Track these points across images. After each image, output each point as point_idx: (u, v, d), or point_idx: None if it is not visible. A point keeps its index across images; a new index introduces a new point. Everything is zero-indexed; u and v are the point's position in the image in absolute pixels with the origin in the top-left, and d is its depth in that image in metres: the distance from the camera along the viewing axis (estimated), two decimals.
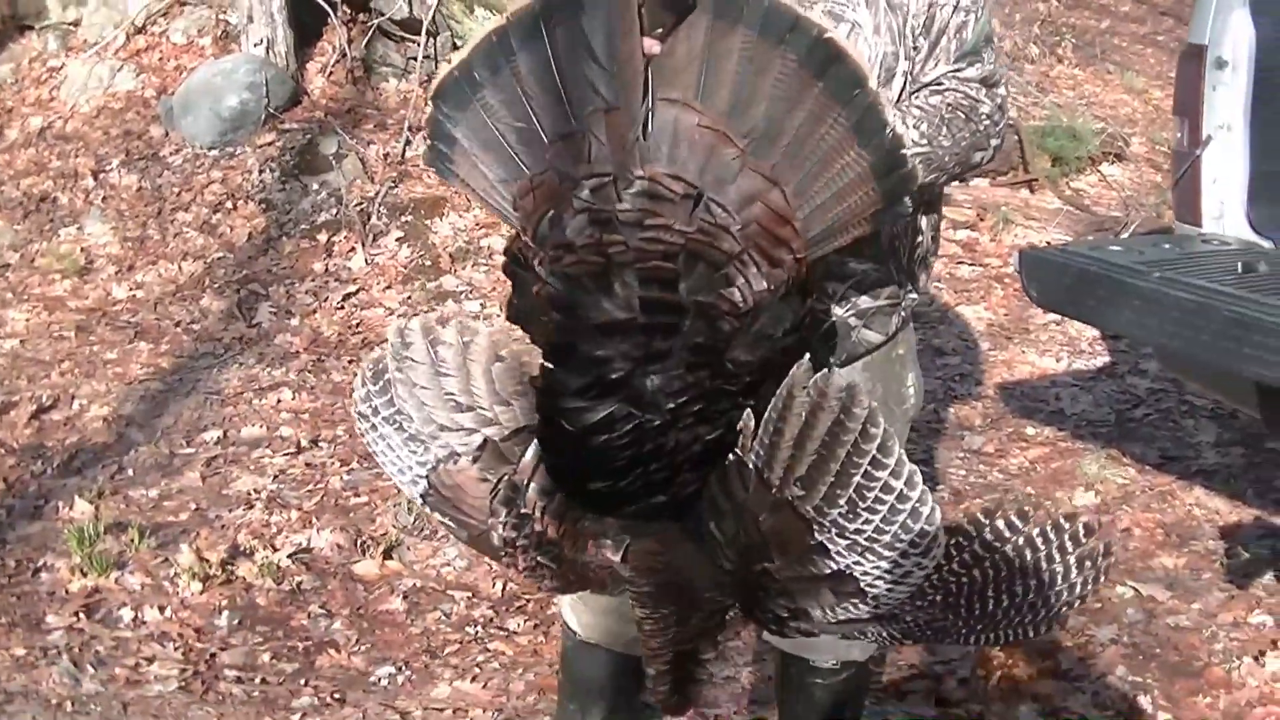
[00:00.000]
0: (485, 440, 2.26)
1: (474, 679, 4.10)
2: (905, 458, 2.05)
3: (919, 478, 2.06)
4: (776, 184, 2.12)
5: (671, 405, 2.13)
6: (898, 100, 2.66)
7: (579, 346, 2.13)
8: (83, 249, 7.53)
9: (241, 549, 4.78)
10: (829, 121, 2.12)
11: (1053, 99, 8.91)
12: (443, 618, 4.43)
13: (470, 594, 4.51)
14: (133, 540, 4.80)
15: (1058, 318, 6.24)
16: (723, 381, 2.15)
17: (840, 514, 2.06)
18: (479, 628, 4.37)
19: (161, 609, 4.48)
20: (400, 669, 4.21)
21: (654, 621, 2.33)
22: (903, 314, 2.91)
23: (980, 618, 2.20)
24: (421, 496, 2.36)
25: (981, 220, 7.37)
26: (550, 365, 2.17)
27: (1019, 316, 6.49)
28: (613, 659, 3.19)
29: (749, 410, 2.11)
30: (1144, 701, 3.85)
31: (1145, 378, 5.90)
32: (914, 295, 2.92)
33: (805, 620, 2.19)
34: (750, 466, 2.10)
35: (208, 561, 4.67)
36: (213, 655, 4.29)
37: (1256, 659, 3.99)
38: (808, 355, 2.09)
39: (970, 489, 5.12)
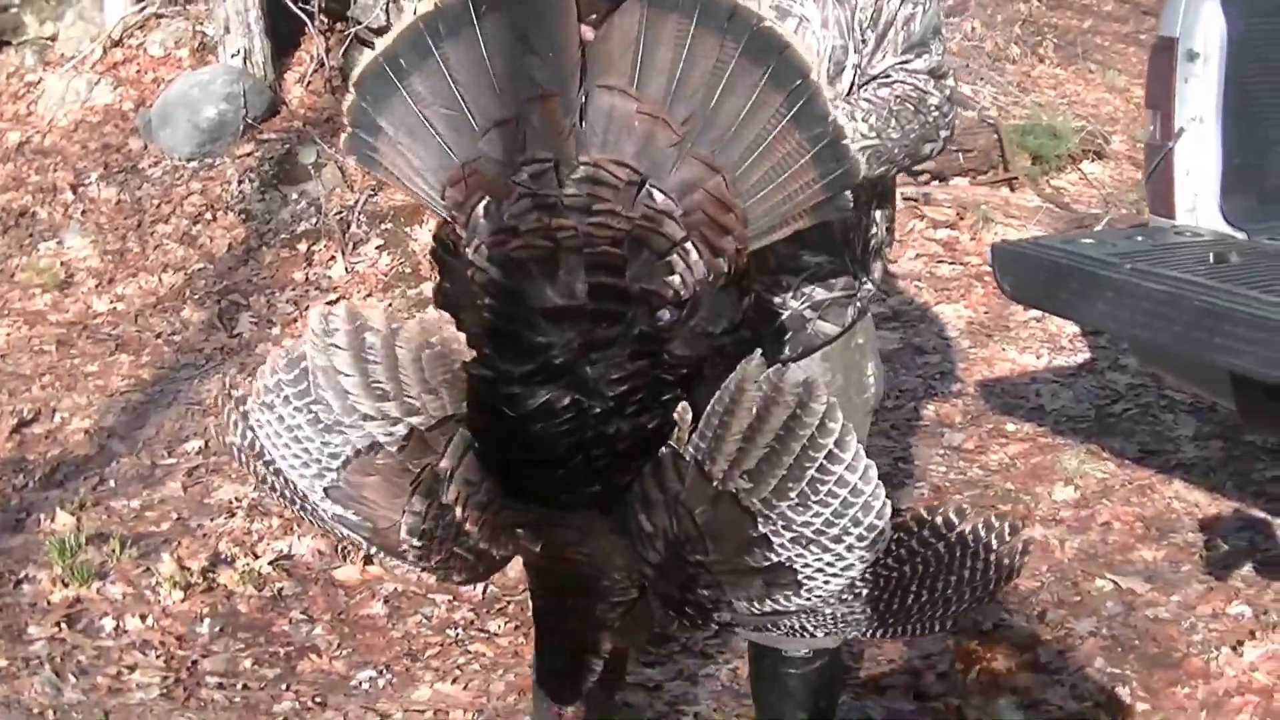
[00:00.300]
0: (411, 429, 2.16)
1: (454, 680, 4.10)
2: (863, 452, 2.05)
3: (874, 472, 2.07)
4: (718, 171, 2.13)
5: (613, 393, 2.13)
6: (847, 94, 2.66)
7: (521, 333, 2.13)
8: (63, 263, 7.53)
9: (223, 557, 4.77)
10: (771, 110, 2.13)
11: (1034, 98, 8.92)
12: (423, 621, 4.43)
13: (451, 597, 4.50)
14: (114, 550, 4.78)
15: (1038, 315, 6.26)
16: (662, 371, 2.15)
17: (790, 506, 2.06)
18: (460, 630, 4.36)
19: (143, 618, 4.47)
20: (381, 672, 4.20)
21: (556, 611, 2.33)
22: (858, 305, 2.91)
23: (897, 612, 2.21)
24: (325, 490, 2.24)
25: (961, 219, 7.37)
26: (488, 351, 2.15)
27: (999, 314, 6.50)
28: None
29: (685, 403, 2.10)
30: (1123, 693, 3.86)
31: (1125, 373, 5.91)
32: (869, 286, 2.92)
33: (728, 611, 2.18)
34: (688, 459, 2.09)
35: (189, 570, 4.66)
36: (194, 662, 4.28)
37: (1235, 649, 4.00)
38: (759, 350, 2.08)
39: (950, 485, 5.13)
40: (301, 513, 2.45)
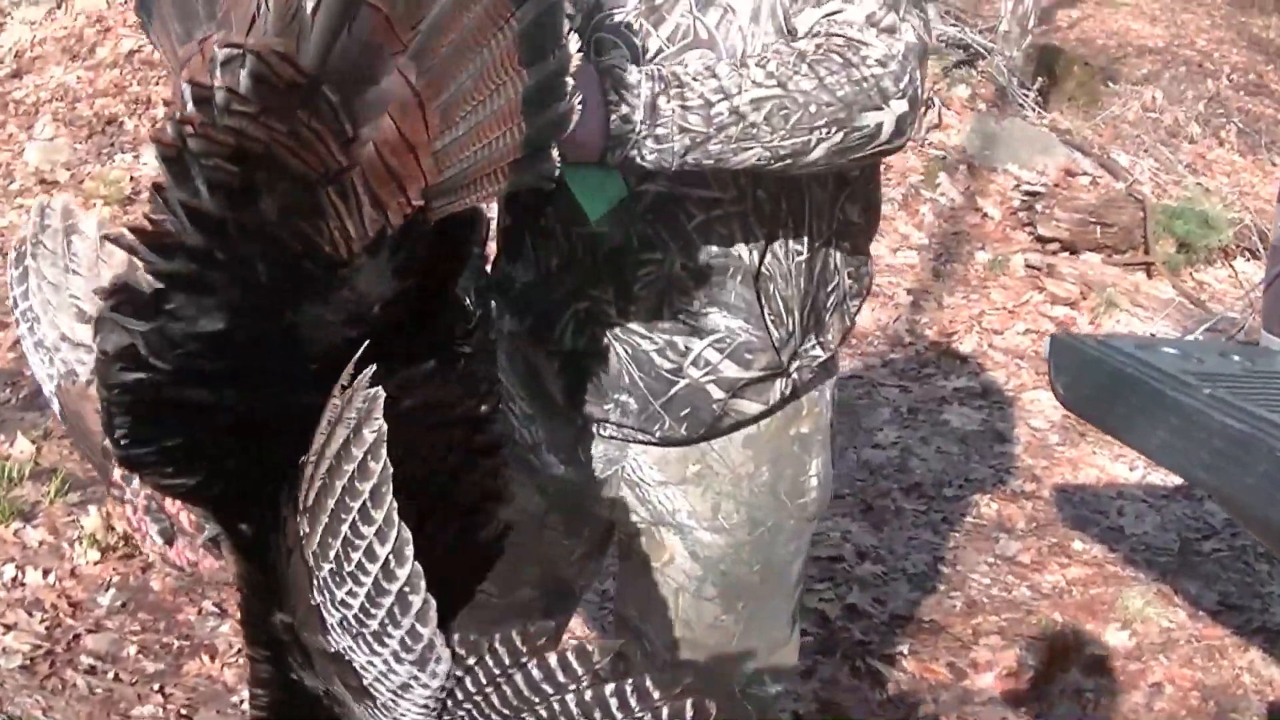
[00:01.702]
0: None
1: None
2: (397, 518, 1.45)
3: (410, 551, 1.46)
4: (419, 96, 1.54)
5: (177, 357, 1.55)
6: None
7: (160, 252, 1.56)
8: (133, 178, 7.24)
9: None
10: (500, 24, 1.54)
11: (1199, 181, 8.11)
12: None
13: None
14: (48, 493, 4.40)
15: None
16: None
17: (330, 573, 1.49)
18: None
19: (46, 573, 4.06)
20: None
21: (244, 598, 1.76)
22: (794, 377, 2.17)
23: None
24: (59, 415, 1.99)
25: (1084, 298, 6.66)
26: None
27: None
28: None
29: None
30: None
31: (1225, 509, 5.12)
32: (817, 351, 2.18)
33: (340, 689, 1.61)
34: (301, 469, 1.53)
35: (113, 530, 4.20)
36: (77, 636, 3.84)
37: None
38: (368, 341, 1.52)
39: (988, 601, 4.43)
40: None
